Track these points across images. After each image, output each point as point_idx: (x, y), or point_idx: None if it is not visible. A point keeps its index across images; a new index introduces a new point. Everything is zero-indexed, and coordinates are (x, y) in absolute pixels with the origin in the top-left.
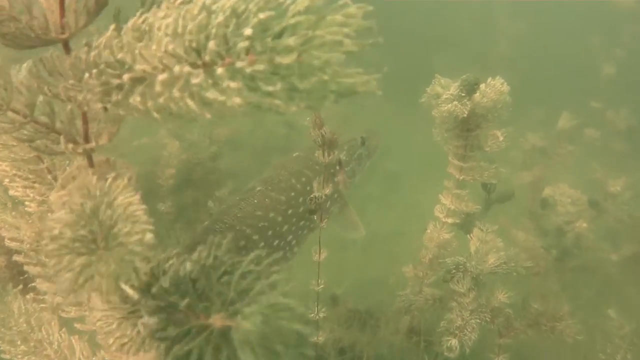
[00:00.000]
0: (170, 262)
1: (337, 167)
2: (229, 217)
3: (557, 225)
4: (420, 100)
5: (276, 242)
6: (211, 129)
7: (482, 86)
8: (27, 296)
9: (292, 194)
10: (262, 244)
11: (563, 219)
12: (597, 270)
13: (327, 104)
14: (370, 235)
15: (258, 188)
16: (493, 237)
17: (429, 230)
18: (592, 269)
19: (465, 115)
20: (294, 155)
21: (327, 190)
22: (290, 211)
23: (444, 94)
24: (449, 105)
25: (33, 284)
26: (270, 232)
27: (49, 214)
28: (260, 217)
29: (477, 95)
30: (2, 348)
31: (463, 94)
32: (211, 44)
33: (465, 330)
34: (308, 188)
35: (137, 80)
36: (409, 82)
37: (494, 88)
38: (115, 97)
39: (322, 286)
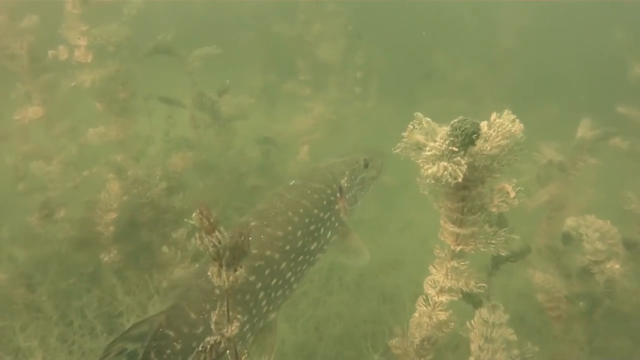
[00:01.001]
0: None
1: (338, 195)
2: None
3: (582, 266)
4: (394, 150)
5: (274, 281)
6: (163, 159)
7: (485, 127)
8: None
9: (290, 228)
10: (260, 284)
11: (590, 259)
12: (633, 316)
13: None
14: (361, 268)
15: (252, 223)
16: (503, 323)
17: (417, 314)
18: (627, 316)
19: (459, 180)
20: (290, 183)
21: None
22: (288, 247)
23: (428, 145)
24: (434, 169)
25: None
26: (267, 272)
27: None
28: (256, 256)
29: (477, 145)
30: None
31: (455, 149)
32: None
33: None
34: (307, 220)
35: None
36: (407, 79)
37: (501, 129)
38: None
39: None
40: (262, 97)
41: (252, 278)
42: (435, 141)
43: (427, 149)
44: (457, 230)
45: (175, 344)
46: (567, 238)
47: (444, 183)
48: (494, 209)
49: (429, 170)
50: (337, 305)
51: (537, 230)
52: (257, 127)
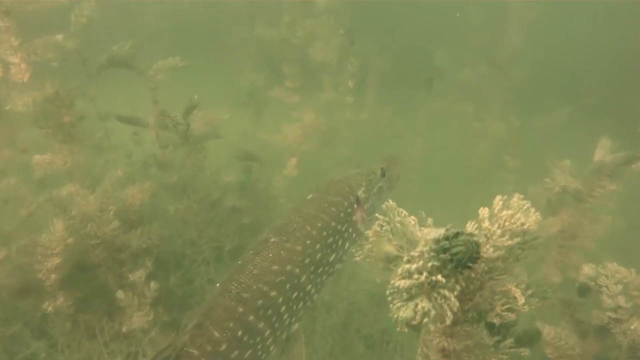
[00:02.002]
0: None
1: (355, 206)
2: (244, 276)
3: (601, 324)
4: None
5: (295, 294)
6: (119, 190)
7: (485, 220)
8: None
9: (308, 242)
10: (281, 299)
11: (611, 316)
12: None
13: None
14: (349, 302)
15: (272, 239)
16: None
17: None
18: None
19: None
20: (308, 197)
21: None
22: (307, 260)
23: (401, 262)
24: (407, 312)
25: None
26: (288, 286)
27: None
28: (277, 272)
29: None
30: None
31: (442, 278)
32: None
33: None
34: (324, 233)
35: None
36: (408, 80)
37: (509, 222)
38: None
39: None
40: (249, 104)
41: (273, 293)
42: (412, 257)
43: (399, 271)
44: (445, 343)
45: None
46: (583, 289)
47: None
48: (495, 319)
49: (401, 314)
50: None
51: (546, 259)
52: (243, 137)
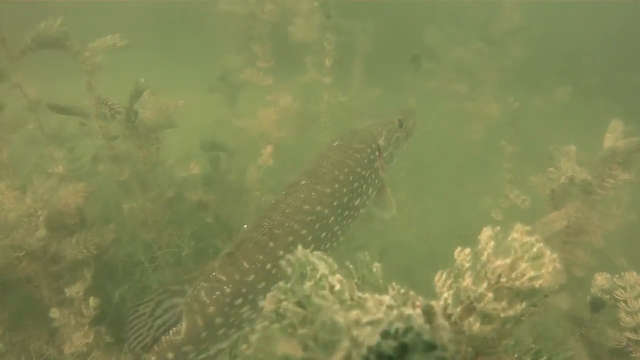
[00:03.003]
0: None
1: (376, 153)
2: (276, 214)
3: (617, 346)
4: None
5: (323, 234)
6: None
7: (467, 281)
8: None
9: (336, 185)
10: (310, 237)
11: (630, 337)
12: None
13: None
14: None
15: (303, 182)
16: None
17: None
18: None
19: None
20: (334, 144)
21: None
22: (335, 203)
23: None
24: None
25: None
26: (317, 226)
27: None
28: (308, 212)
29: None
30: None
31: None
32: None
33: None
34: (351, 178)
35: None
36: (397, 59)
37: (510, 279)
38: None
39: None
40: (221, 88)
41: (303, 232)
42: None
43: None
44: None
45: (225, 287)
46: (596, 304)
47: None
48: None
49: None
50: None
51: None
52: (218, 123)
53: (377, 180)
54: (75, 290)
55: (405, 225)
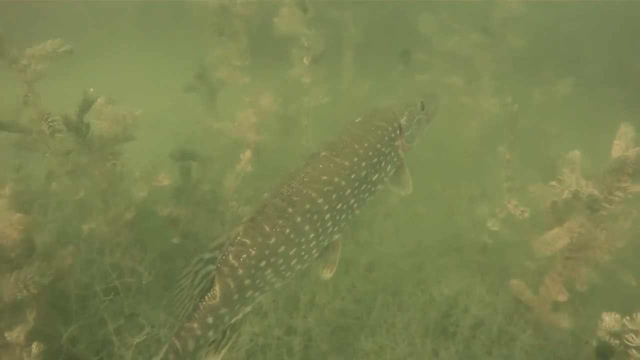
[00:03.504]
0: None
1: (398, 132)
2: (295, 181)
3: None
4: None
5: (339, 205)
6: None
7: None
8: None
9: (355, 159)
10: (327, 207)
11: None
12: None
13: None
14: None
15: (323, 153)
16: None
17: None
18: None
19: None
20: (357, 120)
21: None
22: (353, 175)
23: None
24: None
25: None
26: (334, 196)
27: None
28: (325, 182)
29: None
30: None
31: None
32: None
33: None
34: (370, 153)
35: None
36: (389, 50)
37: None
38: None
39: None
40: (198, 87)
41: (320, 200)
42: None
43: None
44: None
45: (250, 250)
46: (604, 351)
47: None
48: None
49: None
50: None
51: (550, 274)
52: (196, 126)
53: (396, 159)
54: (15, 334)
55: (395, 235)
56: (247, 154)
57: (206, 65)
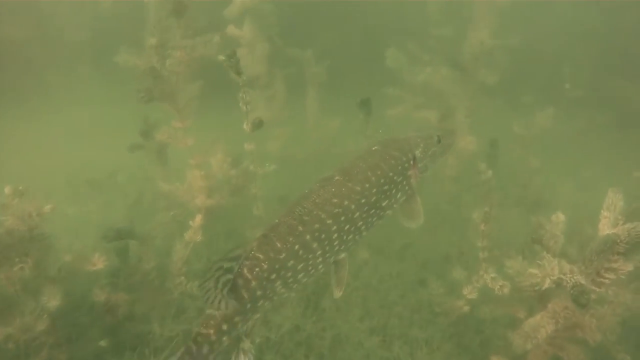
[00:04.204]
0: None
1: (411, 162)
2: (308, 202)
3: None
4: None
5: (347, 226)
6: None
7: None
8: None
9: (367, 185)
10: (335, 227)
11: None
12: None
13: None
14: None
15: (336, 177)
16: None
17: None
18: None
19: None
20: (373, 148)
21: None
22: (363, 200)
23: None
24: None
25: None
26: (342, 218)
27: None
28: (336, 204)
29: None
30: None
31: None
32: None
33: None
34: (382, 180)
35: None
36: (354, 87)
37: None
38: None
39: None
40: (144, 146)
41: (329, 221)
42: None
43: None
44: None
45: (263, 264)
46: None
47: None
48: None
49: None
50: None
51: (534, 352)
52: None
53: (407, 187)
54: None
55: (362, 303)
56: (197, 220)
57: (151, 122)
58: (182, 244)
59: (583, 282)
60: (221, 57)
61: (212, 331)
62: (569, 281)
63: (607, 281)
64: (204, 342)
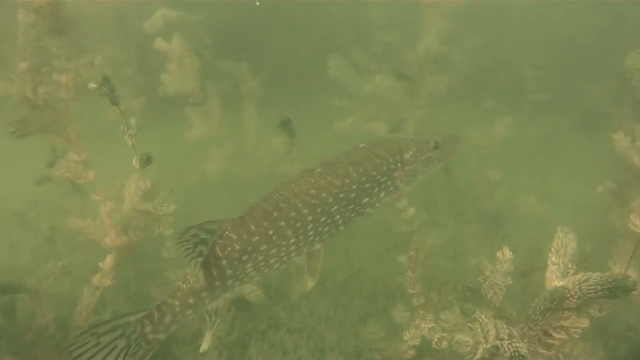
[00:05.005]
0: None
1: (399, 165)
2: (285, 190)
3: None
4: None
5: (323, 218)
6: None
7: None
8: None
9: (347, 180)
10: (310, 217)
11: None
12: None
13: None
14: None
15: (318, 170)
16: None
17: None
18: None
19: None
20: (360, 145)
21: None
22: (341, 195)
23: None
24: None
25: None
26: (319, 209)
27: None
28: (313, 195)
29: None
30: None
31: None
32: None
33: None
34: (363, 178)
35: None
36: (300, 100)
37: None
38: None
39: None
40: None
41: (305, 211)
42: None
43: None
44: None
45: (235, 244)
46: None
47: None
48: None
49: None
50: None
51: None
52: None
53: (392, 188)
54: None
55: (293, 351)
56: (107, 261)
57: (58, 152)
58: (90, 289)
59: (525, 351)
60: (92, 85)
61: (177, 302)
62: (507, 349)
63: (557, 342)
64: (168, 312)
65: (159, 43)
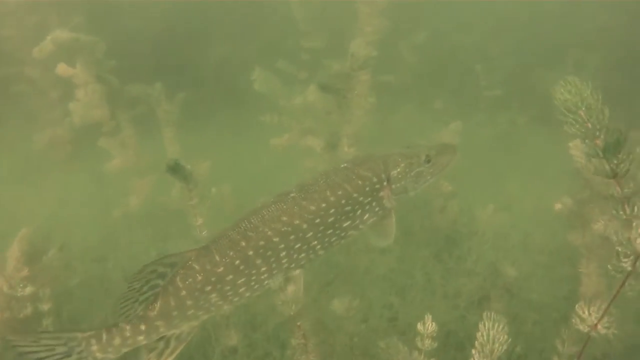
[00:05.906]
0: None
1: (384, 184)
2: (255, 217)
3: None
4: None
5: (298, 245)
6: None
7: None
8: None
9: (323, 205)
10: (282, 245)
11: None
12: None
13: None
14: None
15: (292, 194)
16: None
17: None
18: None
19: None
20: (342, 165)
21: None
22: (317, 220)
23: None
24: None
25: None
26: (292, 237)
27: None
28: (285, 223)
29: None
30: None
31: None
32: None
33: None
34: (343, 201)
35: None
36: (226, 120)
37: None
38: None
39: None
40: None
41: (276, 239)
42: None
43: None
44: None
45: (197, 275)
46: None
47: None
48: None
49: None
50: None
51: None
52: None
53: (377, 209)
54: None
55: None
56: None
57: None
58: None
59: None
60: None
61: (128, 327)
62: None
63: None
64: (117, 335)
65: (62, 68)
